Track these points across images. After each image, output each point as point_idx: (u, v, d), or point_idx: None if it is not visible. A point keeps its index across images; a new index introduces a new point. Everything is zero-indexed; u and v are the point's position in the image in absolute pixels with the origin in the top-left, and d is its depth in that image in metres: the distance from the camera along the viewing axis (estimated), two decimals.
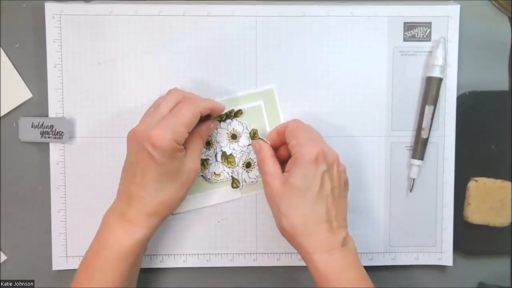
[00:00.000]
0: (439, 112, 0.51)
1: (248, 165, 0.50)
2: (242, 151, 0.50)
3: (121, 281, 0.43)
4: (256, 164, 0.50)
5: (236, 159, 0.50)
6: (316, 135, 0.46)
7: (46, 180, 0.50)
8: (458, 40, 0.51)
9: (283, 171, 0.45)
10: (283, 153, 0.48)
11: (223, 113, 0.49)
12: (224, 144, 0.50)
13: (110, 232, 0.43)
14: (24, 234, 0.51)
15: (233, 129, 0.50)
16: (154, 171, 0.42)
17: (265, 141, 0.48)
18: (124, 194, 0.44)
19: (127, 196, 0.43)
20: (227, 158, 0.50)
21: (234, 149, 0.50)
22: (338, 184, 0.44)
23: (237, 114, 0.50)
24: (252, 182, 0.50)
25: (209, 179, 0.50)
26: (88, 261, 0.43)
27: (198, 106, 0.44)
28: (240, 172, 0.50)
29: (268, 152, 0.47)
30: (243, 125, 0.50)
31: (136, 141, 0.42)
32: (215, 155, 0.50)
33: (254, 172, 0.50)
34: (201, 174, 0.50)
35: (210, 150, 0.50)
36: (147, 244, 0.46)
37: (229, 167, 0.50)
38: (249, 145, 0.50)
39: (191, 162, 0.44)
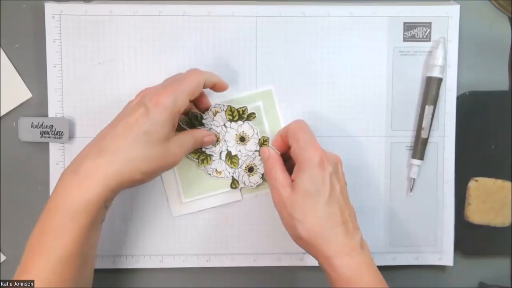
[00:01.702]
0: (439, 112, 0.51)
1: (250, 169, 0.50)
2: (247, 155, 0.50)
3: (75, 247, 0.39)
4: (258, 170, 0.50)
5: (240, 161, 0.50)
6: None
7: (46, 180, 0.50)
8: (458, 40, 0.51)
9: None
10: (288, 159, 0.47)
11: (235, 109, 0.49)
12: (231, 144, 0.50)
13: (61, 189, 0.40)
14: (24, 234, 0.51)
15: (243, 131, 0.50)
16: (140, 126, 0.41)
17: (274, 150, 0.46)
18: (93, 146, 0.41)
19: (95, 148, 0.41)
20: (231, 158, 0.50)
21: (240, 151, 0.50)
22: (344, 183, 0.44)
23: (249, 117, 0.50)
24: (251, 186, 0.50)
25: (209, 174, 0.50)
26: (38, 227, 0.40)
27: (203, 75, 0.44)
28: (241, 174, 0.50)
29: (277, 161, 0.45)
30: (253, 130, 0.50)
31: (137, 98, 0.43)
32: (220, 153, 0.50)
33: (255, 178, 0.50)
34: (203, 168, 0.50)
35: (216, 147, 0.50)
36: (105, 213, 0.42)
37: (231, 167, 0.50)
38: (256, 151, 0.50)
39: (175, 147, 0.43)
